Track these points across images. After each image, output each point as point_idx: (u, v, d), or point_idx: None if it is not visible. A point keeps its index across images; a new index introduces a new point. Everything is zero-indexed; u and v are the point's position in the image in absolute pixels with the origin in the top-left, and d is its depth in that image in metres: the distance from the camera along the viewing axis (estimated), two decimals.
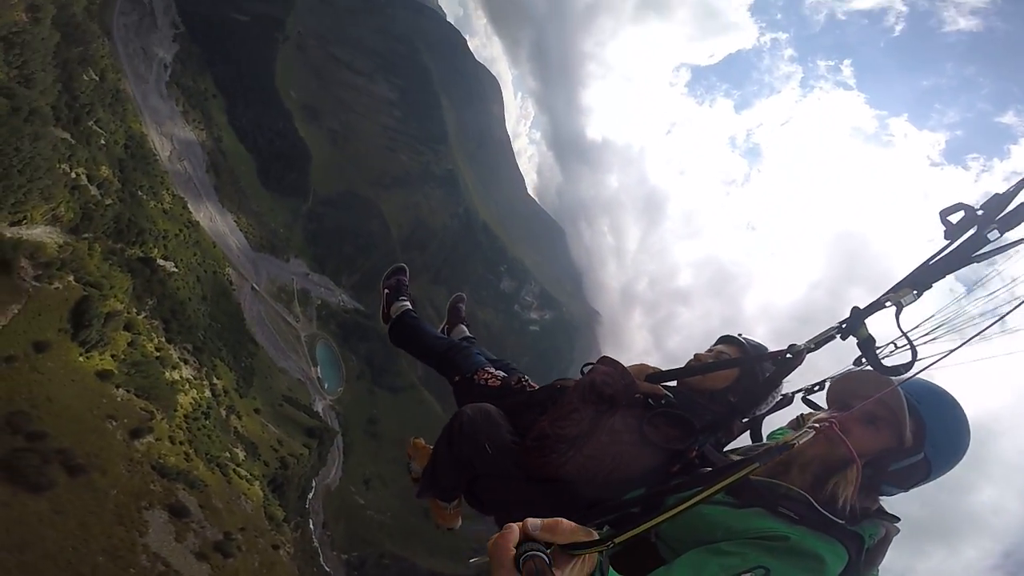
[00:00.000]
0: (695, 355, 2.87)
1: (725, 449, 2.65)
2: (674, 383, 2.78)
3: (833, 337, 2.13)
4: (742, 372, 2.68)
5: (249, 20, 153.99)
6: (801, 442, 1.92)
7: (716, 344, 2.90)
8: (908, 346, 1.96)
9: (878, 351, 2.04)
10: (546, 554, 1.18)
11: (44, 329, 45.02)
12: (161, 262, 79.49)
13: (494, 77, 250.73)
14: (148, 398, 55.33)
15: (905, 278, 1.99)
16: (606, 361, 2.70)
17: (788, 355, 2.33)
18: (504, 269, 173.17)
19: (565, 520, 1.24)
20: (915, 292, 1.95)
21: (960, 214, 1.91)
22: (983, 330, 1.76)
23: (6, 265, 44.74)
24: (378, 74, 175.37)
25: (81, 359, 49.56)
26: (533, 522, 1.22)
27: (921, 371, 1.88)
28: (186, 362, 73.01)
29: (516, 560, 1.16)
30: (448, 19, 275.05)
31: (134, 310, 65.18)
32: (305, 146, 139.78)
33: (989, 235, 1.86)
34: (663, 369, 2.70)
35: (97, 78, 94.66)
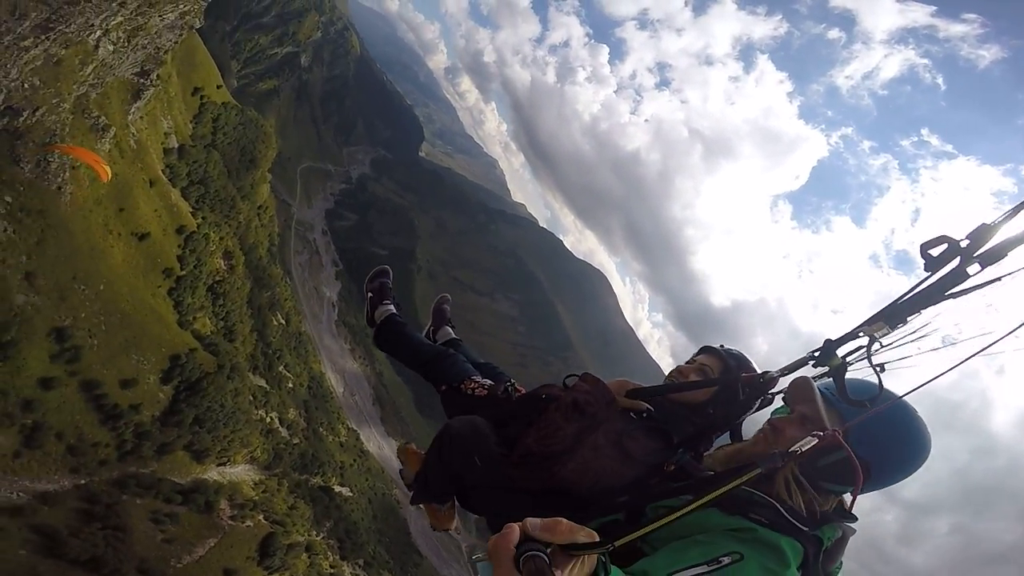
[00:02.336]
0: (677, 367, 2.86)
1: (706, 453, 2.52)
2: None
3: (806, 364, 2.17)
4: (721, 387, 2.66)
5: (387, 253, 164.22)
6: (744, 443, 2.23)
7: (697, 355, 2.86)
8: (879, 374, 1.95)
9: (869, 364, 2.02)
10: (546, 554, 1.15)
11: (234, 558, 47.92)
12: (338, 488, 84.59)
13: (597, 269, 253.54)
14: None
15: (879, 312, 1.98)
16: (588, 379, 2.66)
17: (761, 379, 2.41)
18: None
19: (564, 520, 1.21)
20: (887, 327, 1.93)
21: (943, 247, 1.87)
22: (952, 367, 1.76)
23: (209, 506, 49.93)
24: (498, 292, 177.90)
25: None
26: (533, 522, 1.20)
27: (882, 408, 1.86)
28: None
29: (516, 560, 1.14)
30: (541, 224, 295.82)
31: (313, 532, 68.14)
32: None
33: (969, 270, 1.81)
34: (644, 386, 2.65)
35: (284, 322, 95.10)
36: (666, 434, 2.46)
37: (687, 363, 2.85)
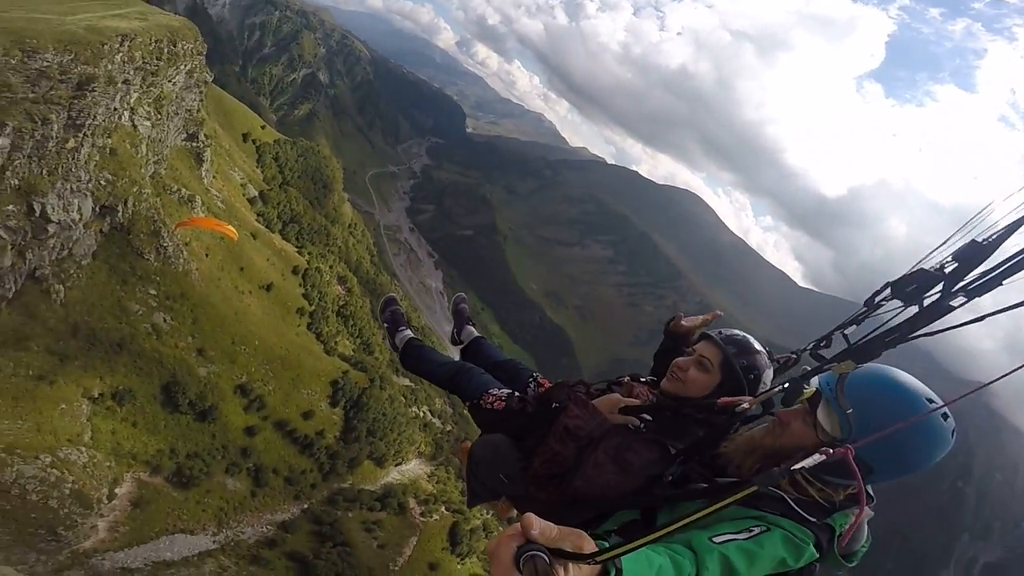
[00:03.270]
0: (675, 362, 2.78)
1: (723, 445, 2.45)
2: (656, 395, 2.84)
3: (778, 393, 2.21)
4: (724, 376, 2.63)
5: (472, 232, 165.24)
6: (756, 431, 2.23)
7: (696, 343, 2.81)
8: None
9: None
10: (547, 554, 1.14)
11: (433, 551, 50.89)
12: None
13: (685, 190, 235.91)
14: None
15: (846, 350, 2.01)
16: (577, 402, 2.65)
17: (744, 405, 2.35)
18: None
19: (556, 526, 1.20)
20: (856, 365, 1.93)
21: (913, 286, 1.88)
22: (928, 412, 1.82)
23: (402, 507, 52.78)
24: (586, 238, 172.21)
25: (459, 567, 53.71)
26: (533, 523, 1.18)
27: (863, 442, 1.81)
28: None
29: (516, 560, 1.14)
30: (610, 162, 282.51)
31: (485, 511, 68.74)
32: (562, 331, 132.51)
33: (954, 303, 1.75)
34: (636, 403, 2.64)
35: None
36: (663, 445, 2.46)
37: (685, 355, 2.78)
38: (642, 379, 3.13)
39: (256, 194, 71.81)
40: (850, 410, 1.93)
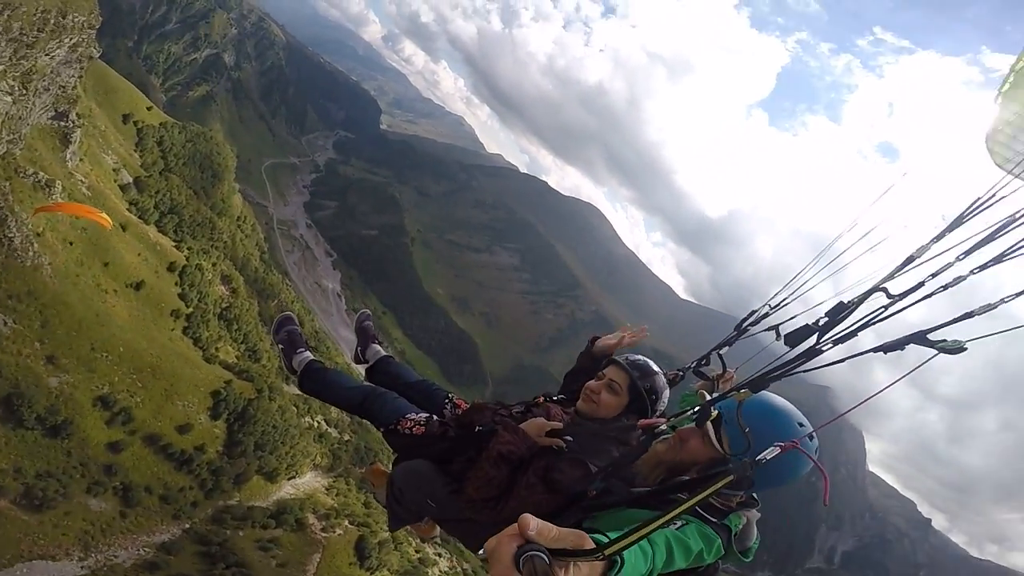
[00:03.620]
0: (586, 385, 3.00)
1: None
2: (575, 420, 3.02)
3: (690, 418, 2.48)
4: (631, 398, 2.90)
5: (377, 232, 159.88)
6: (659, 446, 2.55)
7: (605, 368, 3.02)
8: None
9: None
10: (546, 554, 1.15)
11: (339, 567, 49.40)
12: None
13: (588, 203, 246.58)
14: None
15: (746, 381, 2.33)
16: (507, 427, 2.83)
17: (662, 426, 2.61)
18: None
19: (555, 527, 1.21)
20: (751, 393, 2.26)
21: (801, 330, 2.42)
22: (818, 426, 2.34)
23: (300, 523, 51.24)
24: (494, 245, 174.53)
25: None
26: (530, 523, 1.19)
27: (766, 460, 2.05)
28: (440, 555, 75.31)
29: (516, 560, 1.14)
30: (523, 170, 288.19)
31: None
32: (468, 336, 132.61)
33: (824, 347, 2.22)
34: (558, 426, 2.83)
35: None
36: (585, 464, 2.65)
37: (596, 379, 3.00)
38: (554, 398, 3.33)
39: (131, 180, 64.09)
40: (747, 429, 2.26)
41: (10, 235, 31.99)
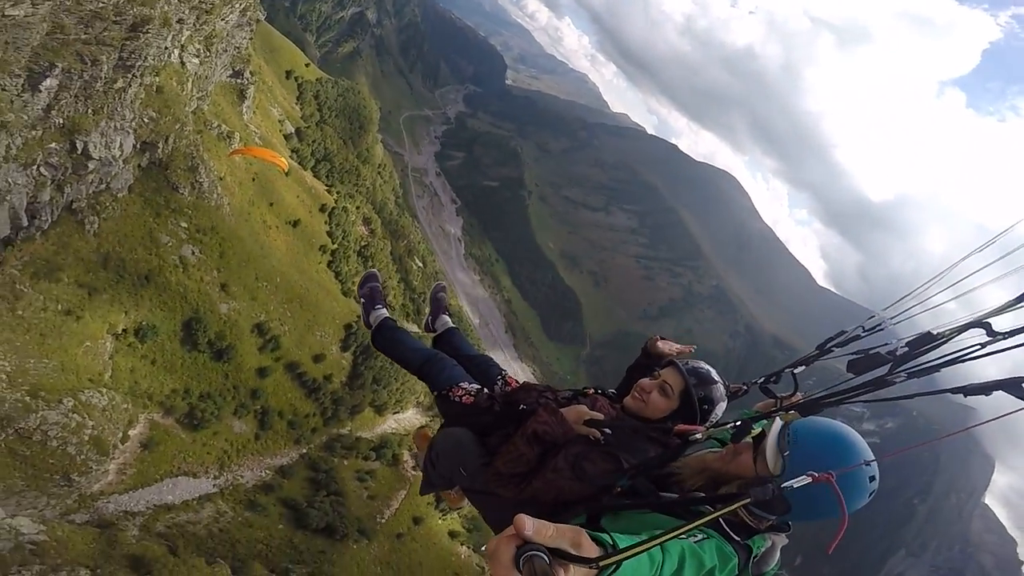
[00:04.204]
0: (639, 383, 2.92)
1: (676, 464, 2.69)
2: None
3: (729, 430, 2.45)
4: (681, 403, 2.79)
5: (498, 184, 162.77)
6: (709, 455, 2.48)
7: (662, 368, 2.93)
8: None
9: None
10: (546, 554, 1.14)
11: (419, 506, 50.17)
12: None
13: (723, 171, 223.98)
14: (481, 553, 55.93)
15: (798, 403, 2.30)
16: (547, 409, 2.80)
17: (697, 435, 2.53)
18: (813, 383, 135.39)
19: (552, 524, 1.21)
20: (799, 416, 2.21)
21: (872, 359, 2.20)
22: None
23: (396, 459, 51.68)
24: (612, 205, 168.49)
25: (439, 522, 52.94)
26: (527, 523, 1.18)
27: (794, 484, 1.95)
28: None
29: (516, 560, 1.13)
30: (649, 132, 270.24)
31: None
32: (573, 294, 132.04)
33: (895, 379, 2.02)
34: (600, 418, 2.77)
35: (422, 264, 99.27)
36: (618, 459, 2.59)
37: (651, 378, 2.91)
38: (606, 392, 3.26)
39: (292, 131, 71.64)
40: (787, 452, 2.15)
41: (200, 180, 37.74)
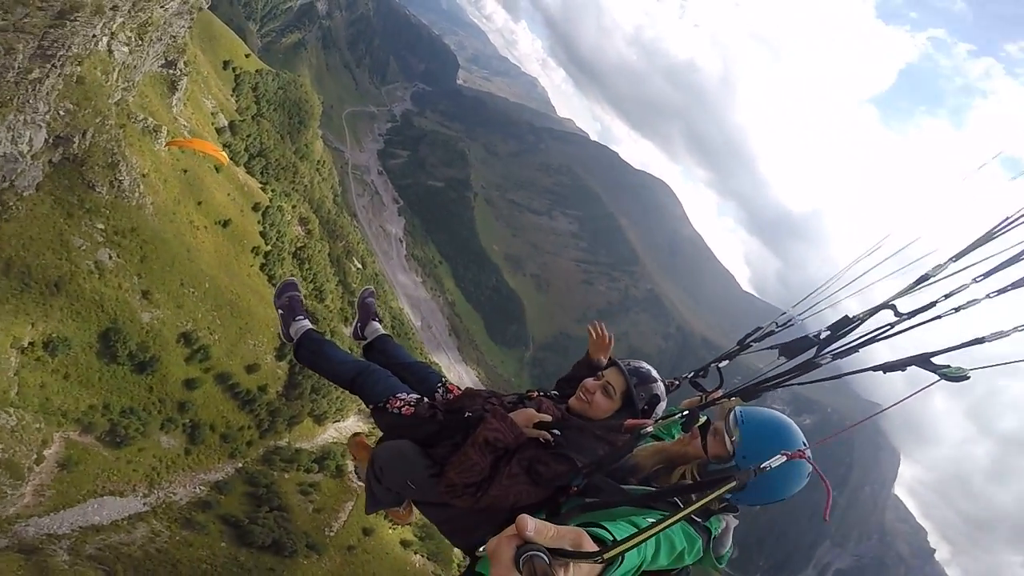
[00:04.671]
0: (583, 384, 2.96)
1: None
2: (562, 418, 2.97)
3: (677, 421, 2.67)
4: (624, 403, 2.85)
5: (443, 185, 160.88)
6: (668, 443, 2.66)
7: (603, 369, 3.01)
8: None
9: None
10: (547, 554, 1.13)
11: (367, 518, 48.26)
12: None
13: (659, 179, 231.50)
14: (436, 561, 56.61)
15: (737, 389, 2.40)
16: (496, 415, 2.75)
17: (648, 428, 2.56)
18: (739, 379, 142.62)
19: (553, 525, 1.20)
20: (742, 401, 2.36)
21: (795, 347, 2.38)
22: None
23: (340, 470, 50.16)
24: (555, 209, 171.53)
25: (390, 532, 51.79)
26: (528, 523, 1.17)
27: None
28: None
29: (516, 560, 1.12)
30: (592, 138, 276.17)
31: None
32: (517, 296, 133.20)
33: (822, 361, 2.18)
34: (547, 419, 2.79)
35: (361, 266, 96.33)
36: (570, 459, 2.59)
37: (594, 379, 2.96)
38: (548, 394, 3.25)
39: (226, 124, 67.19)
40: (734, 438, 2.27)
41: (120, 178, 34.59)
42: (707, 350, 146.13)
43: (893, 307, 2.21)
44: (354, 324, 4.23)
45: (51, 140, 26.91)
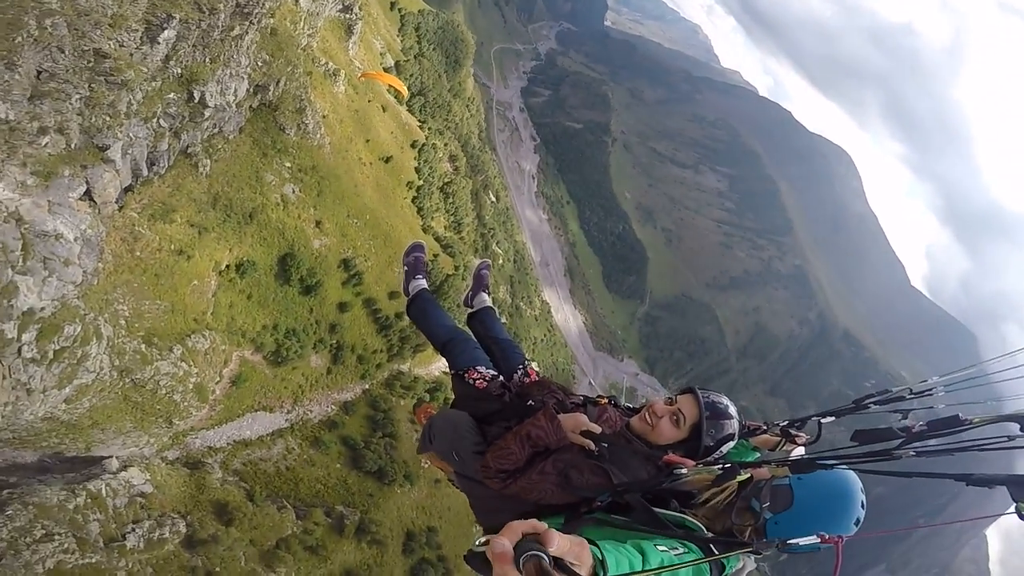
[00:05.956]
0: (651, 405, 2.80)
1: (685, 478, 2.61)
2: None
3: (716, 472, 2.41)
4: (688, 438, 2.64)
5: (581, 127, 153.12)
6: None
7: (679, 395, 2.78)
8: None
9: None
10: (547, 555, 1.13)
11: None
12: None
13: (838, 147, 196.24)
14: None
15: (793, 460, 2.25)
16: (547, 413, 2.72)
17: (683, 470, 2.41)
18: (872, 385, 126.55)
19: (560, 535, 1.20)
20: (789, 473, 2.20)
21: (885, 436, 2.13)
22: None
23: (447, 403, 47.16)
24: (703, 164, 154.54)
25: None
26: (529, 525, 1.18)
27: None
28: None
29: (516, 560, 1.12)
30: (761, 93, 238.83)
31: None
32: (643, 248, 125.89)
33: (902, 455, 2.01)
34: (596, 430, 2.67)
35: (495, 199, 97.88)
36: (607, 473, 2.50)
37: (665, 402, 2.76)
38: (619, 405, 3.12)
39: (392, 64, 69.65)
40: (768, 515, 2.09)
41: (306, 121, 37.74)
42: (846, 345, 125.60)
43: (1023, 420, 1.86)
44: (466, 292, 4.34)
45: (251, 89, 29.69)
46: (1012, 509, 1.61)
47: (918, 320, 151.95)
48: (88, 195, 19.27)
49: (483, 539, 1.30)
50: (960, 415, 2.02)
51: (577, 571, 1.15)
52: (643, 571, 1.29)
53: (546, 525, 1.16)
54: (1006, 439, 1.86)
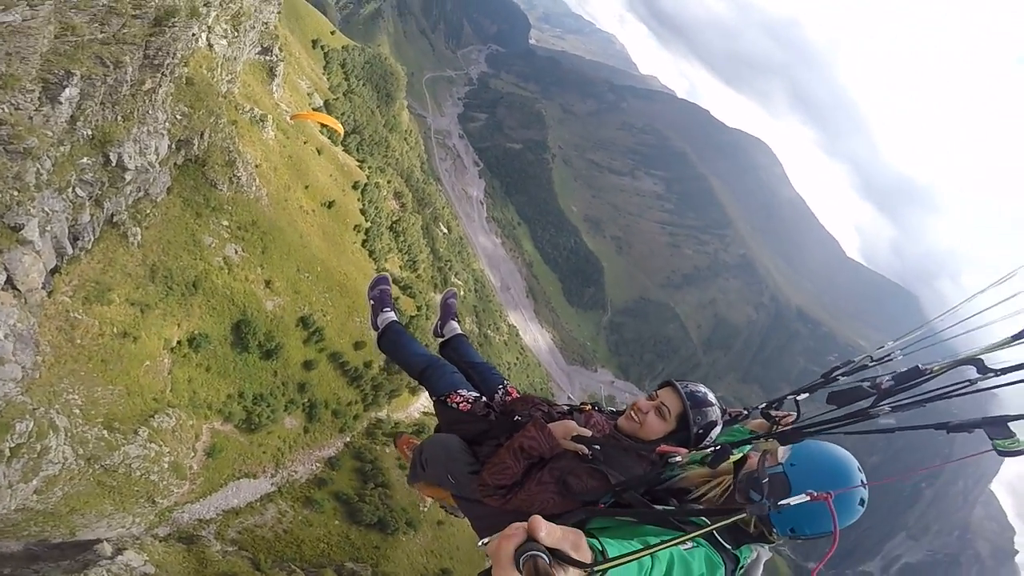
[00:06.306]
0: (635, 403, 2.82)
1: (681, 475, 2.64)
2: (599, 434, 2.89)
3: (708, 455, 2.39)
4: (676, 429, 2.66)
5: (521, 147, 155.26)
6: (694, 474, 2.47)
7: (658, 389, 2.81)
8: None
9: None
10: (547, 555, 1.13)
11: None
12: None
13: (756, 138, 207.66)
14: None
15: (778, 433, 2.23)
16: (536, 424, 2.72)
17: (677, 458, 2.42)
18: (835, 358, 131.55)
19: (558, 527, 1.20)
20: (777, 445, 2.18)
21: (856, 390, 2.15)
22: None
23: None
24: (638, 170, 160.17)
25: None
26: (542, 525, 1.18)
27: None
28: None
29: (516, 560, 1.12)
30: (680, 95, 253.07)
31: None
32: (596, 259, 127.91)
33: (879, 412, 2.01)
34: (586, 434, 2.70)
35: (447, 230, 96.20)
36: (604, 476, 2.51)
37: (648, 398, 2.79)
38: (602, 409, 3.09)
39: (321, 103, 66.91)
40: (765, 480, 2.04)
41: (238, 174, 34.53)
42: (802, 323, 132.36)
43: (979, 362, 1.93)
44: (435, 322, 4.32)
45: (173, 145, 26.59)
46: (989, 447, 1.66)
47: (862, 289, 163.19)
48: (10, 283, 16.95)
49: (485, 540, 1.27)
50: (920, 365, 2.06)
51: (576, 558, 1.14)
52: (642, 550, 1.28)
53: (539, 517, 1.15)
54: (967, 383, 1.92)
